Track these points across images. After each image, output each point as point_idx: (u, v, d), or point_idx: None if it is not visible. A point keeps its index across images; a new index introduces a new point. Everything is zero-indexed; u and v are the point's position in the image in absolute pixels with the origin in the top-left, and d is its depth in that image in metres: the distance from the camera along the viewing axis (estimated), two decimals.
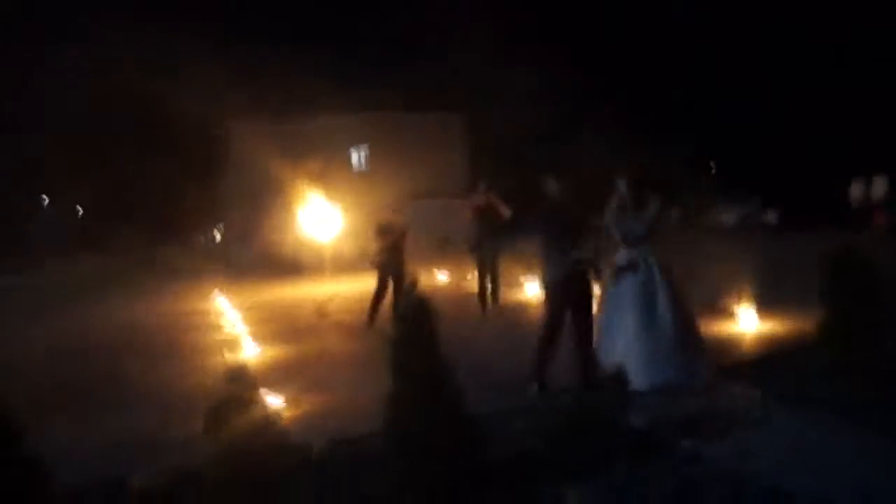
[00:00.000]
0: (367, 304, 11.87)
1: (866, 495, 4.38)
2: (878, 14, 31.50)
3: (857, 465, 4.87)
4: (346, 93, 32.75)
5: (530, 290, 14.25)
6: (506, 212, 12.26)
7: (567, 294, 7.04)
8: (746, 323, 9.56)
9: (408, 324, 4.57)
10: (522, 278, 14.65)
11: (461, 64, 33.74)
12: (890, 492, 4.45)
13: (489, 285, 12.65)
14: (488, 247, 12.42)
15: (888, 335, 6.36)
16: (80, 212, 44.90)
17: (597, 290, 7.28)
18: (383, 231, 11.69)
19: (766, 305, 9.92)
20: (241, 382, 5.06)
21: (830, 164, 30.71)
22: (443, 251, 20.32)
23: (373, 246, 11.99)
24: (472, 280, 13.53)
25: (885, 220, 15.05)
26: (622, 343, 6.93)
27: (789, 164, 33.37)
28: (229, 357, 9.96)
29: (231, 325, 13.27)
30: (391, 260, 11.63)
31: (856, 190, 17.94)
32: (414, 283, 11.37)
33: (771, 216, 30.26)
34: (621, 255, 7.17)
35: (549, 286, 7.22)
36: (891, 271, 6.84)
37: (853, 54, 33.66)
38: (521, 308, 13.16)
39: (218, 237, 43.96)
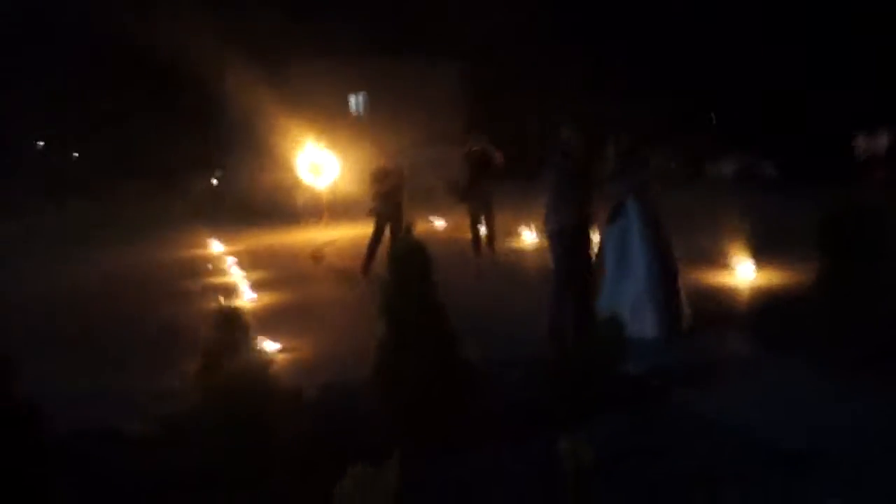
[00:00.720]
0: (364, 251, 11.82)
1: (855, 448, 4.40)
2: None
3: (848, 419, 4.88)
4: (344, 38, 32.33)
5: (528, 237, 14.23)
6: (499, 158, 12.15)
7: (573, 242, 6.95)
8: (742, 275, 9.54)
9: (400, 267, 4.53)
10: (519, 226, 14.63)
11: (461, 9, 33.25)
12: (880, 444, 4.46)
13: (484, 232, 12.62)
14: (481, 194, 12.34)
15: (884, 287, 6.34)
16: (76, 156, 44.54)
17: (595, 238, 7.25)
18: (379, 178, 11.58)
19: (762, 257, 9.90)
20: (234, 327, 5.03)
21: (833, 116, 30.49)
22: (431, 199, 20.11)
23: (369, 193, 11.91)
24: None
25: (885, 174, 14.94)
26: (617, 294, 6.93)
27: (790, 117, 33.12)
28: (223, 303, 9.93)
29: (225, 271, 13.26)
30: (387, 207, 11.55)
31: (860, 143, 17.79)
32: (408, 229, 11.36)
33: (770, 168, 30.12)
34: (616, 207, 7.13)
35: (554, 234, 7.11)
36: (888, 224, 6.80)
37: (859, 4, 33.17)
38: (517, 255, 13.16)
39: (216, 183, 43.77)
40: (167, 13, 28.02)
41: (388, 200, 11.55)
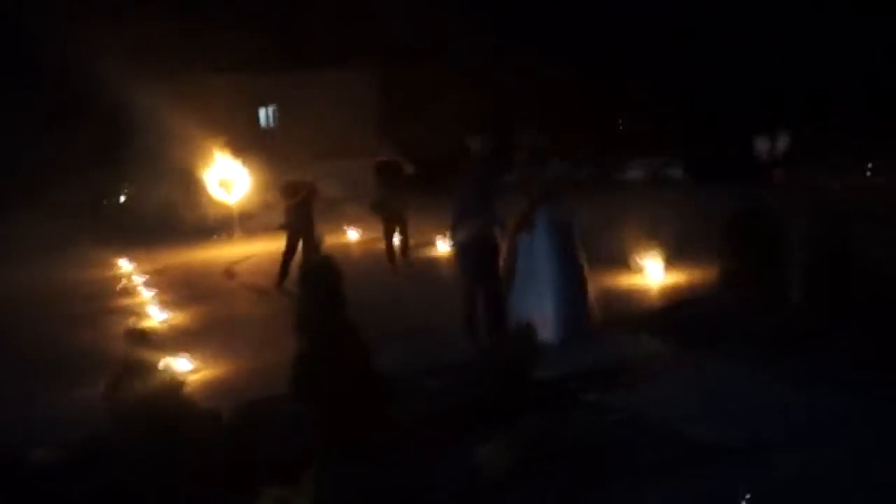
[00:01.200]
0: (277, 266, 11.68)
1: (765, 439, 4.57)
2: None
3: (757, 409, 5.06)
4: (253, 51, 32.01)
5: (440, 245, 14.32)
6: (409, 169, 12.25)
7: (479, 254, 7.04)
8: (653, 274, 9.80)
9: (310, 282, 4.52)
10: (432, 234, 14.72)
11: (372, 21, 33.36)
12: (786, 434, 4.64)
13: (397, 242, 12.66)
14: (393, 204, 12.36)
15: (785, 281, 6.64)
16: None
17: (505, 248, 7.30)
18: (289, 192, 11.47)
19: (672, 257, 10.20)
20: (144, 347, 4.92)
21: (735, 120, 31.67)
22: (338, 211, 20.01)
23: (280, 206, 11.78)
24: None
25: (783, 176, 15.61)
26: (528, 299, 7.03)
27: (695, 121, 34.25)
28: (133, 322, 9.68)
29: (136, 290, 12.92)
30: (299, 220, 11.43)
31: (760, 145, 18.55)
32: (319, 242, 11.29)
33: (677, 171, 31.12)
34: (526, 211, 7.23)
35: (461, 246, 7.19)
36: (787, 223, 7.12)
37: (759, 7, 34.50)
38: (430, 264, 13.24)
39: (123, 200, 42.66)
40: (71, 27, 27.21)
41: (299, 214, 11.43)
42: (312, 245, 11.26)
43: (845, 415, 4.87)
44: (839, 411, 4.92)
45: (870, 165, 20.00)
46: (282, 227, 11.74)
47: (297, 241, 11.42)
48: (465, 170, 7.12)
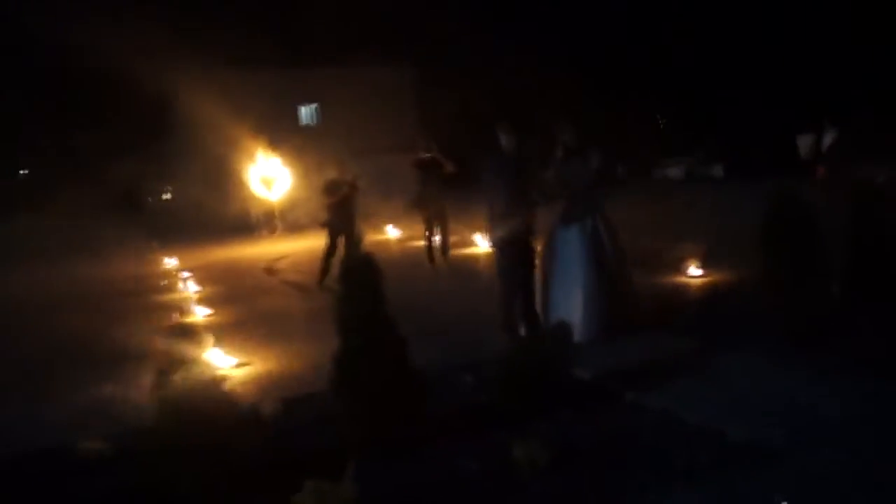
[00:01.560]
0: (318, 263, 11.81)
1: (801, 438, 4.56)
2: None
3: (792, 408, 5.04)
4: (294, 46, 32.26)
5: (480, 243, 14.37)
6: (450, 167, 12.26)
7: (518, 250, 7.07)
8: (691, 273, 9.76)
9: (351, 280, 4.60)
10: (471, 232, 14.76)
11: (412, 18, 33.45)
12: (823, 433, 4.62)
13: (437, 240, 12.70)
14: (434, 202, 12.41)
15: (824, 280, 6.57)
16: (24, 173, 43.78)
17: (538, 245, 7.33)
18: (330, 189, 11.56)
19: (710, 255, 10.14)
20: (189, 342, 5.04)
21: (779, 116, 31.19)
22: (386, 208, 20.12)
23: (322, 203, 11.88)
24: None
25: (824, 173, 15.32)
26: (565, 297, 7.05)
27: (737, 118, 33.81)
28: (178, 318, 9.89)
29: (179, 287, 13.17)
30: (340, 217, 11.53)
31: (803, 142, 18.19)
32: (359, 240, 11.36)
33: (717, 169, 30.76)
34: (566, 209, 7.24)
35: (499, 244, 7.23)
36: (827, 221, 7.04)
37: (801, 8, 33.98)
38: (470, 262, 13.28)
39: (168, 197, 43.32)
40: (113, 24, 27.72)
41: (340, 212, 11.53)
42: (353, 243, 11.37)
43: (880, 410, 4.85)
44: (872, 406, 4.91)
45: None
46: (323, 225, 11.83)
47: (338, 238, 11.55)
48: (498, 167, 7.13)
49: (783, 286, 6.34)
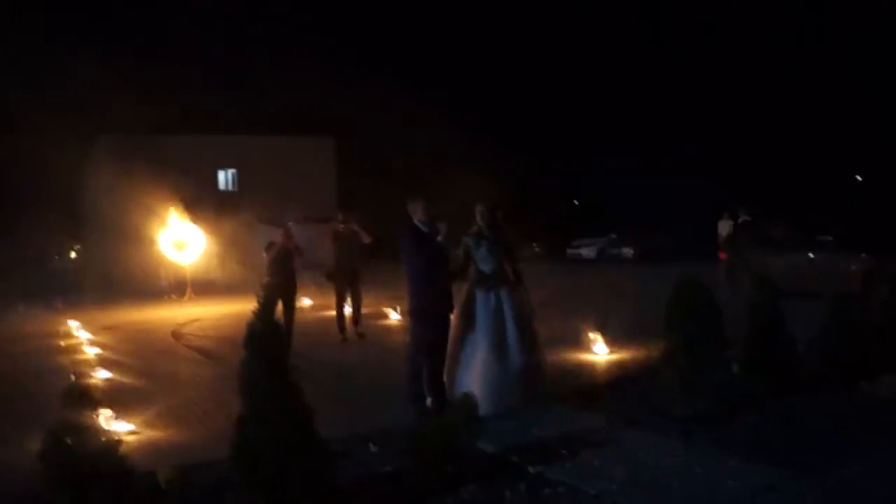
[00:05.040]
0: (225, 328, 11.52)
1: None
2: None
3: (694, 482, 5.17)
4: (214, 115, 32.22)
5: (393, 315, 14.38)
6: (367, 238, 12.32)
7: (431, 321, 7.14)
8: (598, 350, 9.96)
9: (256, 346, 4.56)
10: (386, 304, 14.78)
11: (330, 88, 33.93)
12: None
13: (349, 310, 12.68)
14: (348, 273, 12.41)
15: (724, 360, 6.83)
16: None
17: (452, 318, 7.41)
18: (268, 249, 11.25)
19: (619, 333, 10.39)
20: (85, 406, 4.88)
21: (693, 201, 32.54)
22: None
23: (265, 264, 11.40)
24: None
25: (727, 259, 16.01)
26: (469, 370, 7.11)
27: (649, 202, 35.10)
28: (74, 380, 9.49)
29: (82, 349, 12.71)
30: (277, 281, 11.09)
31: (723, 227, 19.09)
32: (268, 307, 11.15)
33: (627, 251, 31.71)
34: (477, 283, 7.36)
35: (414, 312, 7.28)
36: (728, 304, 7.36)
37: (712, 97, 35.81)
38: (381, 333, 13.26)
39: (74, 256, 42.07)
40: (25, 81, 27.29)
41: (278, 273, 11.09)
42: (291, 307, 11.11)
43: (770, 485, 5.03)
44: (764, 481, 5.10)
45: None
46: (264, 286, 10.97)
47: (276, 302, 10.93)
48: (412, 238, 7.23)
49: (685, 366, 6.57)
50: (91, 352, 12.23)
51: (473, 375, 7.06)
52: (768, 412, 6.65)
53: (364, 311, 13.09)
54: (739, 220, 19.63)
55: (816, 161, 37.35)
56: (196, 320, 16.40)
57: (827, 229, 14.66)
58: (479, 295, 7.27)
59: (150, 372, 10.57)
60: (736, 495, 4.91)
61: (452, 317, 7.33)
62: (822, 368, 7.59)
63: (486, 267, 7.32)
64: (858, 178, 42.35)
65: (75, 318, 16.68)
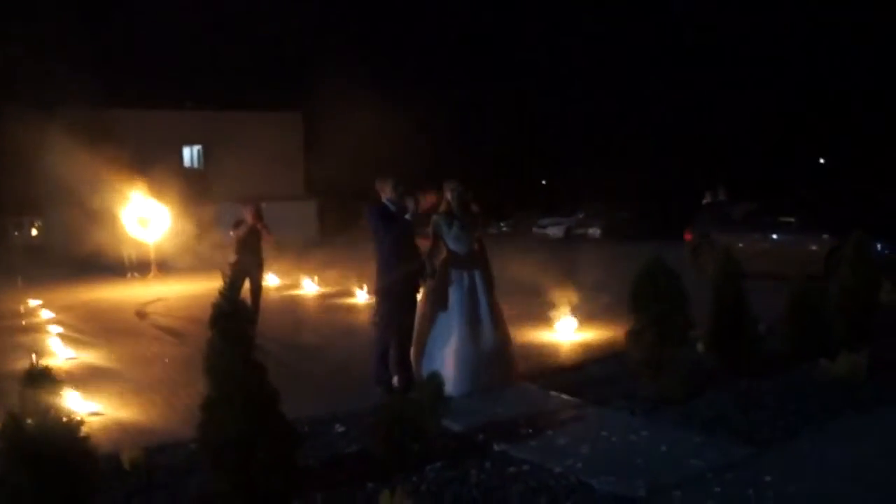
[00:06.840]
0: (191, 308, 11.32)
1: (664, 488, 4.74)
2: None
3: (658, 460, 5.25)
4: (179, 90, 31.72)
5: (360, 295, 14.32)
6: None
7: (398, 299, 7.14)
8: (566, 329, 10.00)
9: (222, 327, 4.51)
10: (353, 283, 14.73)
11: (299, 63, 33.58)
12: (687, 485, 4.82)
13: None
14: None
15: (688, 339, 6.92)
16: None
17: (420, 296, 7.40)
18: (235, 226, 10.76)
19: (585, 312, 10.45)
20: (46, 386, 4.80)
21: (657, 181, 32.85)
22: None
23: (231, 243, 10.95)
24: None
25: (692, 238, 16.15)
26: (443, 350, 7.11)
27: (614, 181, 35.30)
28: (35, 360, 9.36)
29: (41, 328, 12.52)
30: (245, 260, 10.64)
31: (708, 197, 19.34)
32: (234, 286, 10.91)
33: (594, 231, 31.90)
34: (451, 263, 7.33)
35: (381, 292, 7.27)
36: (694, 283, 7.43)
37: (681, 81, 36.03)
38: (348, 312, 13.24)
39: (35, 233, 41.35)
40: None
41: (245, 254, 10.64)
42: (258, 286, 10.75)
43: (730, 462, 5.13)
44: (725, 458, 5.20)
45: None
46: (231, 265, 10.46)
47: (242, 280, 10.40)
48: (379, 217, 7.20)
49: (650, 345, 6.63)
50: (53, 331, 12.05)
51: (448, 355, 7.06)
52: (731, 391, 6.74)
53: (330, 289, 12.98)
54: (703, 202, 19.86)
55: (781, 144, 37.84)
56: (160, 299, 16.23)
57: (790, 210, 14.80)
58: (454, 274, 7.25)
59: (114, 352, 10.44)
60: (699, 472, 4.98)
61: (419, 296, 7.32)
62: (785, 348, 7.69)
63: (458, 247, 7.29)
64: (822, 160, 42.98)
65: (36, 296, 16.44)
